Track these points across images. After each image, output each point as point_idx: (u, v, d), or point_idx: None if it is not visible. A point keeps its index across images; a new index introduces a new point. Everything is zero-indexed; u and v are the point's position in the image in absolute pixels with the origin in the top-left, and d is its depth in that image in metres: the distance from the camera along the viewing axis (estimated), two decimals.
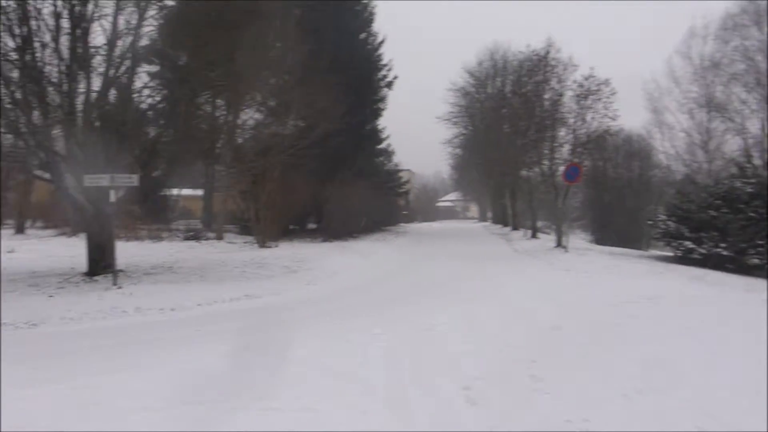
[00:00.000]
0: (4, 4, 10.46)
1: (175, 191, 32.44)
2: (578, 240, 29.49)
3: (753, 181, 16.77)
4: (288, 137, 19.90)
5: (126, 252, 14.76)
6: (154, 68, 14.13)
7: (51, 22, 10.87)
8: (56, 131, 11.82)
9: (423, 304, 9.49)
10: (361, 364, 5.60)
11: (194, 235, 22.55)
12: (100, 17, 11.45)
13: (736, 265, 15.90)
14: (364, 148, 27.86)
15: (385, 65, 30.24)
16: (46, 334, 7.48)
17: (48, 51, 10.95)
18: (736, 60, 25.87)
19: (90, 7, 11.19)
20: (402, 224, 42.64)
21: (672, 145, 30.66)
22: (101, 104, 11.83)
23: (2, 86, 10.61)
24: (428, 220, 63.64)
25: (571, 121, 20.31)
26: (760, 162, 21.09)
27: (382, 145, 32.71)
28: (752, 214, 15.72)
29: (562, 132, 20.89)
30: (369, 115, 29.39)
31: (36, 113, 11.08)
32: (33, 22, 10.70)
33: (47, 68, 11.04)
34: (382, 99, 30.77)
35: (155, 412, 4.26)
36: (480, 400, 4.57)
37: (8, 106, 10.70)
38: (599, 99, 19.41)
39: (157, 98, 13.13)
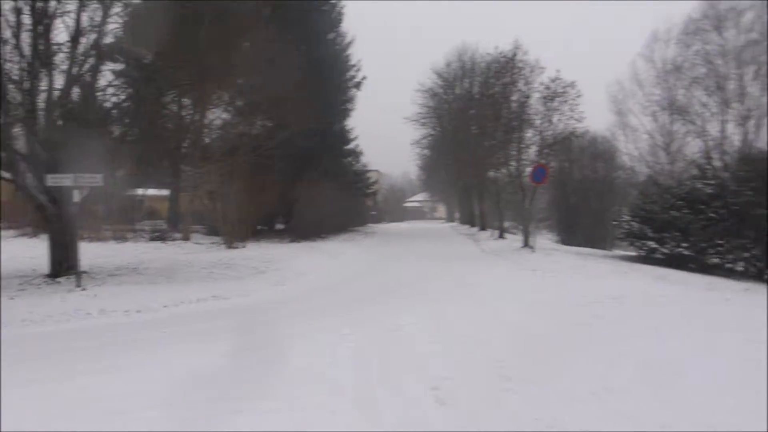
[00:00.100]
0: None
1: (140, 191, 31.91)
2: (545, 240, 29.83)
3: (713, 182, 17.20)
4: (256, 137, 19.74)
5: (89, 253, 14.49)
6: (118, 66, 13.88)
7: (11, 18, 10.63)
8: (17, 130, 11.56)
9: (391, 304, 9.51)
10: (330, 365, 5.60)
11: (160, 236, 22.24)
12: (62, 14, 11.24)
13: (697, 264, 16.30)
14: (332, 148, 27.80)
15: (353, 65, 30.24)
16: (6, 337, 7.30)
17: (8, 48, 10.71)
18: (697, 64, 26.43)
19: (52, 3, 10.97)
20: (370, 225, 42.65)
21: (635, 146, 31.25)
22: (64, 102, 11.60)
23: None
24: (396, 220, 63.77)
25: (538, 122, 20.56)
26: (719, 164, 21.62)
27: (351, 146, 32.70)
28: (712, 215, 16.11)
29: (529, 133, 21.13)
30: (337, 116, 29.34)
31: None
32: None
33: (8, 65, 10.78)
34: (351, 99, 30.76)
35: (122, 414, 4.20)
36: (448, 400, 4.59)
37: None
38: (565, 101, 19.69)
39: (122, 97, 12.91)
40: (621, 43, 45.05)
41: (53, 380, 5.13)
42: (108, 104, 12.61)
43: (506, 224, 28.42)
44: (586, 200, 33.77)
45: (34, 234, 20.33)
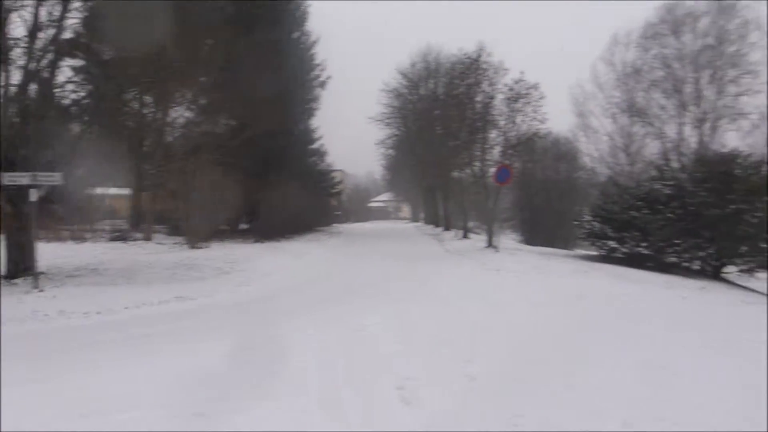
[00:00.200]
0: None
1: (100, 190, 31.29)
2: (508, 240, 30.18)
3: (671, 183, 17.61)
4: (219, 136, 19.54)
5: (48, 253, 14.13)
6: (78, 62, 13.58)
7: None
8: None
9: (356, 304, 9.51)
10: (295, 365, 5.57)
11: (120, 236, 21.81)
12: (20, 7, 10.94)
13: (655, 263, 16.66)
14: (296, 148, 27.68)
15: (318, 65, 30.15)
16: None
17: None
18: (655, 67, 27.05)
19: None
20: (335, 225, 42.56)
21: (596, 148, 31.83)
22: (21, 99, 11.30)
23: None
24: (361, 220, 63.74)
25: (502, 123, 20.78)
26: (677, 165, 22.14)
27: (315, 145, 32.62)
28: (670, 215, 16.49)
29: (493, 134, 21.33)
30: (302, 115, 29.22)
31: None
32: None
33: None
34: (315, 99, 30.66)
35: (82, 419, 4.12)
36: (414, 399, 4.61)
37: None
38: (529, 102, 19.94)
39: (82, 94, 12.64)
40: (583, 45, 45.75)
41: (7, 385, 4.98)
42: (67, 101, 12.33)
43: (470, 224, 28.61)
44: (549, 200, 34.27)
45: None
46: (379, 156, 48.34)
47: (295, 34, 28.56)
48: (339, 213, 50.84)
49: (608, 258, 17.66)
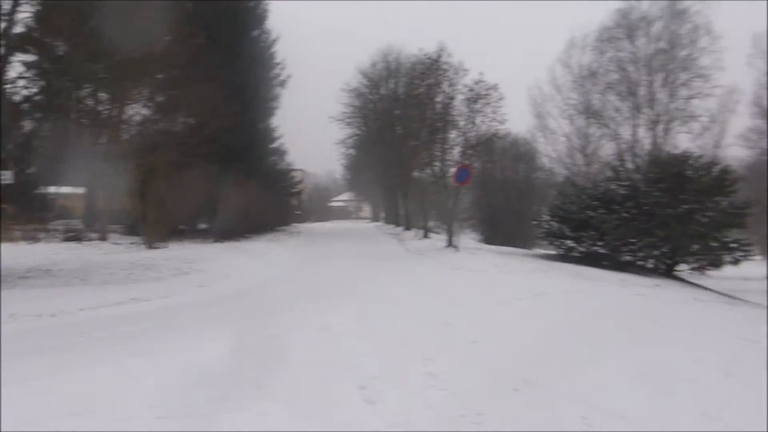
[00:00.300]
0: None
1: (53, 189, 30.48)
2: (468, 239, 30.46)
3: (626, 183, 18.03)
4: (177, 134, 19.22)
5: None
6: (30, 57, 13.20)
7: None
8: None
9: (318, 304, 9.47)
10: (256, 367, 5.52)
11: (75, 236, 21.26)
12: None
13: (611, 261, 17.05)
14: (256, 147, 27.40)
15: (278, 63, 29.91)
16: None
17: None
18: (611, 70, 27.72)
19: None
20: (295, 224, 42.33)
21: (554, 148, 32.50)
22: None
23: None
24: (321, 220, 63.53)
25: (462, 123, 20.95)
26: (631, 166, 22.68)
27: (275, 144, 32.35)
28: (625, 215, 16.88)
29: (452, 134, 21.49)
30: (262, 114, 28.95)
31: None
32: None
33: None
34: (275, 98, 30.43)
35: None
36: (377, 398, 4.61)
37: None
38: (488, 103, 20.14)
39: (34, 90, 12.29)
40: (542, 46, 46.56)
41: None
42: (18, 97, 11.97)
43: (430, 224, 28.78)
44: (508, 200, 34.72)
45: None
46: (340, 155, 48.32)
47: (255, 32, 28.28)
48: (299, 212, 50.59)
49: (566, 257, 17.98)
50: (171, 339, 6.80)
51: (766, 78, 26.39)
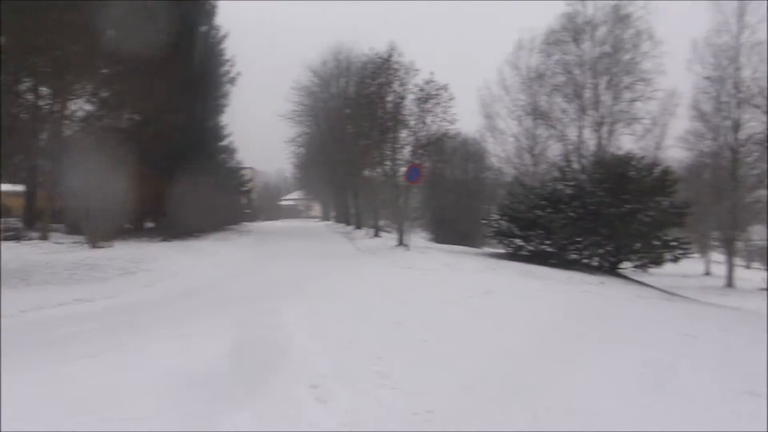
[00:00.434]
0: None
1: None
2: (418, 238, 30.64)
3: (572, 183, 18.45)
4: (123, 131, 18.76)
5: None
6: None
7: None
8: None
9: (268, 303, 9.38)
10: (205, 367, 5.44)
11: (14, 235, 20.50)
12: None
13: (558, 260, 17.41)
14: (205, 144, 26.95)
15: (227, 60, 29.48)
16: None
17: None
18: (557, 73, 28.31)
19: None
20: (245, 223, 41.83)
21: (503, 149, 33.05)
22: None
23: None
24: (271, 218, 62.97)
25: (412, 123, 21.04)
26: (577, 166, 23.22)
27: (225, 142, 31.92)
28: (572, 214, 17.26)
29: (403, 134, 21.56)
30: (211, 111, 28.51)
31: None
32: None
33: None
34: (225, 95, 29.99)
35: None
36: (328, 398, 4.60)
37: None
38: (438, 103, 20.29)
39: None
40: (492, 46, 47.24)
41: None
42: None
43: (381, 223, 28.85)
44: (458, 200, 35.06)
45: None
46: (290, 154, 47.97)
47: (203, 28, 27.80)
48: (249, 211, 50.01)
49: (515, 255, 18.27)
50: (117, 340, 6.64)
51: (704, 82, 27.39)
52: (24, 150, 16.07)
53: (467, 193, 35.54)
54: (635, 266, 17.95)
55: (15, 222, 25.29)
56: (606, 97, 26.93)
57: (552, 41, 28.39)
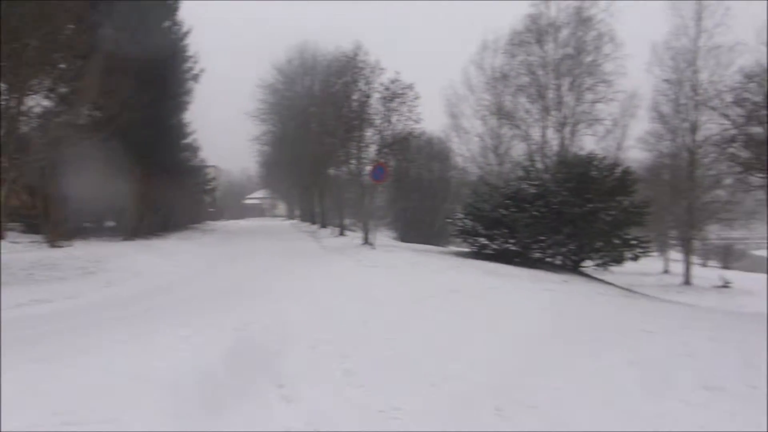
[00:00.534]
0: None
1: None
2: (384, 237, 30.67)
3: (536, 183, 18.66)
4: (82, 127, 18.33)
5: None
6: None
7: None
8: None
9: (232, 303, 9.30)
10: (170, 368, 5.37)
11: None
12: None
13: (522, 258, 17.60)
14: (168, 142, 26.50)
15: (191, 57, 29.04)
16: None
17: None
18: (521, 73, 28.55)
19: None
20: (209, 222, 41.37)
21: (467, 148, 33.24)
22: None
23: None
24: (236, 217, 62.41)
25: (378, 122, 21.04)
26: (541, 166, 23.52)
27: (188, 140, 31.45)
28: (535, 213, 17.46)
29: (369, 133, 21.53)
30: (173, 108, 28.06)
31: None
32: None
33: None
34: (188, 92, 29.55)
35: None
36: (294, 397, 4.60)
37: None
38: (404, 102, 20.33)
39: None
40: (457, 48, 47.51)
41: None
42: None
43: (346, 222, 28.80)
44: (423, 199, 35.17)
45: None
46: (255, 152, 47.52)
47: (166, 24, 27.34)
48: (213, 210, 49.46)
49: (479, 254, 18.39)
50: (76, 342, 6.50)
51: (664, 84, 27.98)
52: None
53: (432, 192, 35.67)
54: (597, 264, 18.25)
55: None
56: (569, 98, 27.30)
57: (516, 42, 28.63)
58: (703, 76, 26.34)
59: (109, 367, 5.37)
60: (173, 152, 28.00)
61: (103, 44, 17.11)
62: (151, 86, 20.59)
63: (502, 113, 30.10)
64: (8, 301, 9.15)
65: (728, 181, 21.97)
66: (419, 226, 34.00)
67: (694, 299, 18.97)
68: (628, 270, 20.35)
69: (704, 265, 37.54)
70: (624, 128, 28.05)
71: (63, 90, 18.22)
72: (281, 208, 76.16)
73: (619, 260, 17.94)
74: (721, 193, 25.83)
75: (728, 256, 40.54)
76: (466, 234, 19.41)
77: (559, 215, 17.41)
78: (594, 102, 27.10)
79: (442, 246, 27.08)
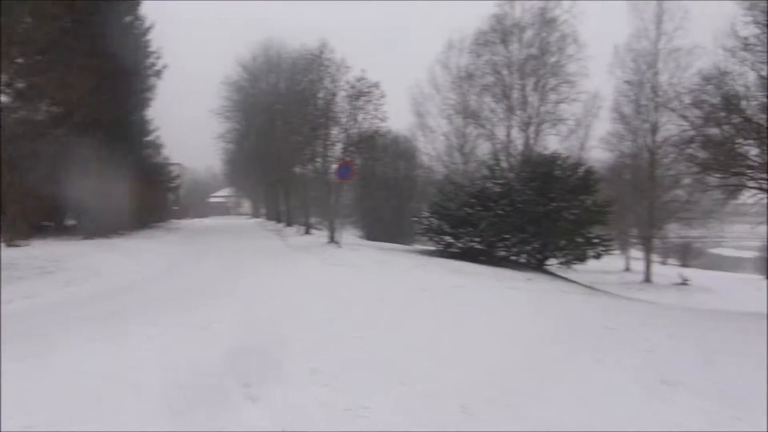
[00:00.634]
0: None
1: None
2: (350, 236, 30.64)
3: (500, 182, 18.86)
4: (41, 124, 17.91)
5: None
6: None
7: None
8: None
9: (197, 302, 9.18)
10: (134, 367, 5.28)
11: None
12: None
13: (487, 256, 17.76)
14: (130, 139, 26.06)
15: (153, 53, 28.58)
16: None
17: None
18: (486, 73, 28.77)
19: None
20: (173, 220, 40.78)
21: (433, 147, 33.44)
22: None
23: None
24: (200, 216, 61.65)
25: (344, 120, 21.00)
26: (506, 165, 23.76)
27: (151, 137, 30.97)
28: (500, 212, 17.64)
29: (334, 131, 21.49)
30: (135, 105, 27.60)
31: None
32: None
33: None
34: (151, 88, 29.08)
35: None
36: (260, 397, 4.56)
37: None
38: (370, 101, 20.34)
39: None
40: (425, 45, 47.75)
41: None
42: None
43: (312, 220, 28.68)
44: (389, 197, 35.22)
45: None
46: (219, 150, 46.94)
47: (127, 19, 26.84)
48: (177, 208, 48.77)
49: (445, 253, 18.51)
50: (34, 343, 6.35)
51: (625, 86, 28.50)
52: None
53: (398, 190, 35.73)
54: (560, 263, 18.54)
55: None
56: (533, 98, 27.62)
57: (481, 42, 28.84)
58: (663, 78, 26.98)
59: (68, 369, 5.26)
60: (135, 149, 27.54)
61: (63, 38, 16.70)
62: (111, 82, 20.21)
63: (468, 112, 30.33)
64: None
65: (687, 181, 22.45)
66: (385, 225, 34.02)
67: (654, 296, 19.40)
68: (590, 268, 20.71)
69: (664, 263, 38.37)
70: (587, 128, 28.55)
71: (20, 85, 17.78)
72: (246, 206, 75.54)
73: (582, 258, 18.24)
74: (680, 192, 26.42)
75: (687, 255, 41.50)
76: (431, 232, 19.51)
77: (524, 214, 17.61)
78: (558, 102, 27.49)
79: (408, 244, 27.17)
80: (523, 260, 18.72)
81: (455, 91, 31.30)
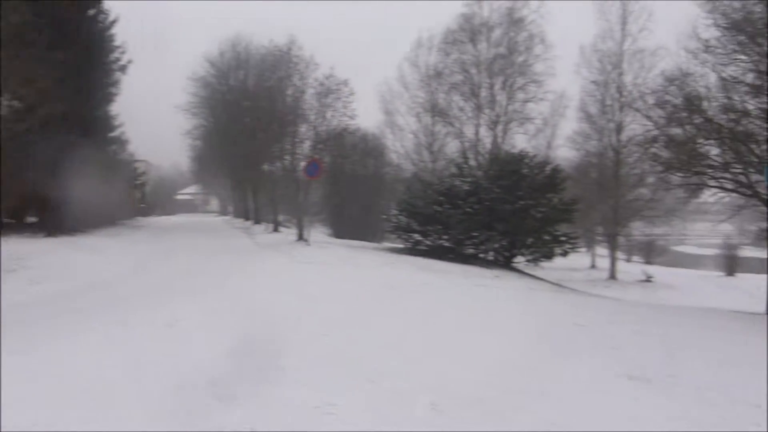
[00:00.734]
0: None
1: None
2: (318, 233, 30.53)
3: (469, 180, 18.97)
4: (2, 119, 17.47)
5: None
6: None
7: None
8: None
9: (164, 300, 9.07)
10: (101, 366, 5.19)
11: None
12: None
13: (455, 254, 17.86)
14: (93, 135, 25.52)
15: (118, 47, 28.01)
16: None
17: None
18: (455, 71, 28.92)
19: None
20: (139, 218, 40.13)
21: (402, 145, 33.52)
22: None
23: None
24: (167, 213, 60.81)
25: (312, 117, 20.95)
26: (474, 163, 23.91)
27: (116, 133, 30.38)
28: (468, 210, 17.74)
29: (303, 128, 21.43)
30: (99, 100, 27.03)
31: None
32: None
33: None
34: (115, 83, 28.51)
35: None
36: (227, 396, 4.52)
37: None
38: (338, 98, 20.31)
39: None
40: (393, 43, 47.71)
41: None
42: None
43: (281, 218, 28.51)
44: (358, 195, 35.16)
45: None
46: (186, 147, 46.32)
47: (91, 12, 26.25)
48: (143, 206, 48.02)
49: (414, 250, 18.57)
50: (4, 342, 6.19)
51: (591, 86, 28.90)
52: None
53: (367, 188, 35.69)
54: (528, 260, 18.73)
55: None
56: (501, 97, 27.85)
57: (450, 41, 28.97)
58: (628, 79, 27.37)
59: (32, 368, 5.15)
60: (100, 145, 26.98)
61: (23, 32, 16.30)
62: (74, 76, 19.79)
63: (436, 111, 30.43)
64: None
65: (650, 179, 22.84)
66: (354, 223, 33.94)
67: (619, 293, 19.73)
68: (557, 265, 20.98)
69: (629, 260, 38.97)
70: (554, 127, 28.97)
71: None
72: (214, 203, 74.79)
73: (549, 256, 18.45)
74: (644, 191, 26.83)
75: (651, 252, 42.18)
76: (400, 230, 19.55)
77: (492, 212, 17.74)
78: (525, 101, 27.78)
79: (376, 242, 27.20)
80: (491, 258, 18.86)
81: (424, 90, 31.38)
